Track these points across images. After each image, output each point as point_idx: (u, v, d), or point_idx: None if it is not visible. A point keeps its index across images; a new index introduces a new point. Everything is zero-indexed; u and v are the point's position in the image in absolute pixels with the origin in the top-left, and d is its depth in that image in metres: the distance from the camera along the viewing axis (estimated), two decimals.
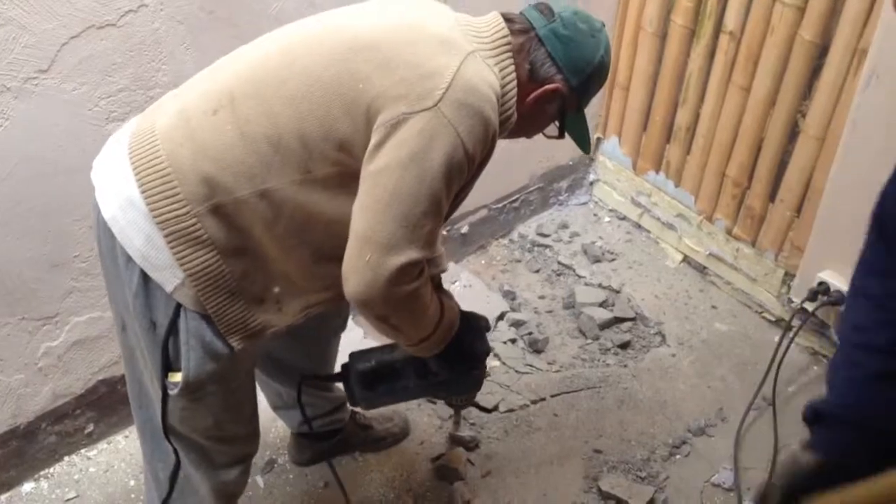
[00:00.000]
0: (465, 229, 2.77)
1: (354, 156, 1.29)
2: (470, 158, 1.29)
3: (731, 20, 2.40)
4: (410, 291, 1.31)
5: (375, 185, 1.26)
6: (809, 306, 2.34)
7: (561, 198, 3.06)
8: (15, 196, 1.74)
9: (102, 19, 1.70)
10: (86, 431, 2.11)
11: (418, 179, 1.25)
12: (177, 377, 1.38)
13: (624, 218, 3.02)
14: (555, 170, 2.97)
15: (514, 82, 1.37)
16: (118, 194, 1.31)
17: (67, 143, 1.76)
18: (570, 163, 3.01)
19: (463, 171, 1.30)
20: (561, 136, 1.53)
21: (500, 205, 2.86)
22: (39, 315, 1.90)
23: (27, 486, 2.04)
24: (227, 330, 1.36)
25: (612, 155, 3.00)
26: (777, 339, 2.40)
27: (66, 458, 2.10)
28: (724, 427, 2.25)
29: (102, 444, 2.15)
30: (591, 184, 3.10)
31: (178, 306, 1.33)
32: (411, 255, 1.27)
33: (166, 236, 1.28)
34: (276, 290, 1.38)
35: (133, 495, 2.04)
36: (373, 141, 1.26)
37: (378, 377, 1.61)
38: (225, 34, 1.90)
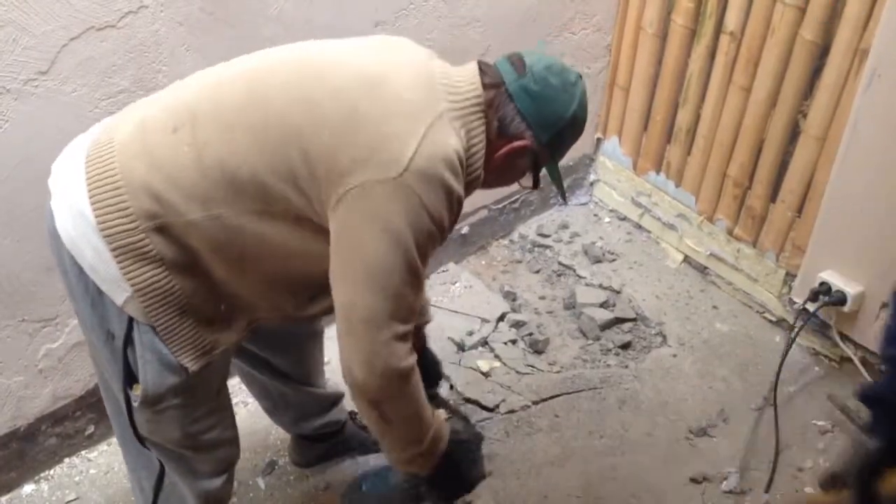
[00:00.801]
0: (465, 230, 2.76)
1: (311, 200, 1.26)
2: (438, 226, 1.28)
3: (732, 20, 2.40)
4: (405, 369, 1.30)
5: (352, 258, 1.25)
6: (811, 306, 2.34)
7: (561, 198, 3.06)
8: (14, 198, 1.74)
9: (102, 21, 1.70)
10: (86, 433, 2.11)
11: (392, 251, 1.23)
12: (138, 390, 1.36)
13: (624, 218, 3.02)
14: None
15: (482, 143, 1.34)
16: (71, 205, 1.29)
17: (67, 145, 1.76)
18: (571, 163, 3.00)
19: (434, 238, 1.29)
20: (535, 187, 1.49)
21: (500, 205, 2.85)
22: (39, 317, 1.90)
23: (27, 488, 2.04)
24: (177, 349, 1.33)
25: (612, 155, 3.00)
26: (778, 339, 2.40)
27: (67, 460, 2.10)
28: (726, 428, 2.25)
29: (103, 446, 2.15)
30: (592, 184, 3.10)
31: (131, 319, 1.31)
32: (395, 329, 1.27)
33: (113, 250, 1.26)
34: (223, 307, 1.37)
35: (133, 497, 2.03)
36: (338, 202, 1.23)
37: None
38: (225, 35, 1.89)
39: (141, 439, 1.45)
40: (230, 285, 1.35)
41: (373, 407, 1.33)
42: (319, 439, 2.06)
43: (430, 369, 1.79)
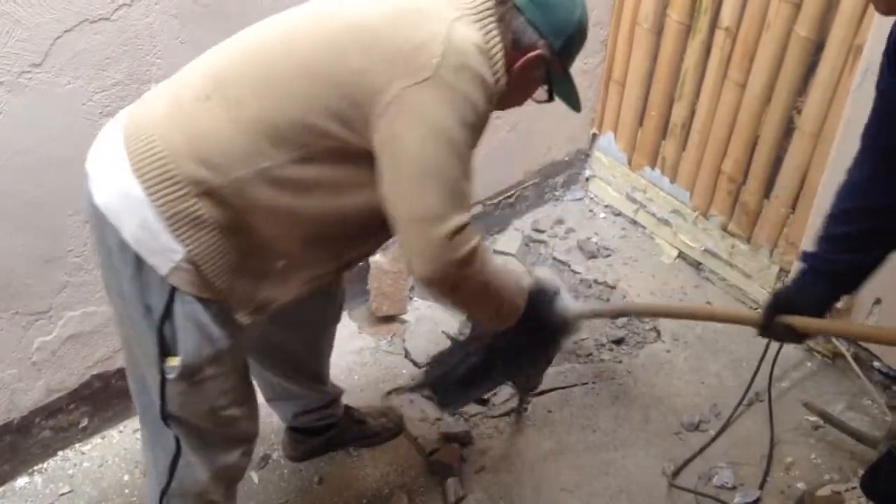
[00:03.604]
0: None
1: (357, 131, 1.30)
2: (479, 116, 1.32)
3: (727, 16, 2.40)
4: (471, 252, 1.33)
5: (402, 165, 1.28)
6: None
7: (556, 193, 3.06)
8: (8, 190, 1.74)
9: (96, 13, 1.69)
10: (80, 426, 2.11)
11: (442, 149, 1.28)
12: (174, 361, 1.38)
13: (619, 214, 3.02)
14: (550, 165, 2.97)
15: (501, 49, 1.38)
16: (113, 181, 1.32)
17: (61, 138, 1.76)
18: (566, 158, 3.00)
19: (476, 128, 1.33)
20: (550, 99, 1.54)
21: (495, 200, 2.86)
22: (33, 310, 1.90)
23: (21, 481, 2.04)
24: (235, 305, 1.37)
25: (607, 151, 3.00)
26: None
27: (60, 453, 2.10)
28: (719, 423, 2.26)
29: (96, 439, 2.15)
30: (587, 179, 3.10)
31: (173, 290, 1.33)
32: (458, 219, 1.30)
33: (168, 219, 1.29)
34: (280, 264, 1.40)
35: (127, 490, 2.03)
36: (382, 121, 1.27)
37: (456, 386, 1.67)
38: (219, 27, 1.88)
39: (166, 417, 1.46)
40: (281, 241, 1.38)
41: (448, 293, 1.39)
42: (315, 433, 2.07)
43: None
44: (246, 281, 1.38)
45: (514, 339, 1.63)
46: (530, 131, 2.79)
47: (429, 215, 1.28)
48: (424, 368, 1.66)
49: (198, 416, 1.48)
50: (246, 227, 1.34)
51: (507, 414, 2.26)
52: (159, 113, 1.34)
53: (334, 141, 1.31)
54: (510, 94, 1.44)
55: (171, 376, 1.40)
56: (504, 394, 2.29)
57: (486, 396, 2.26)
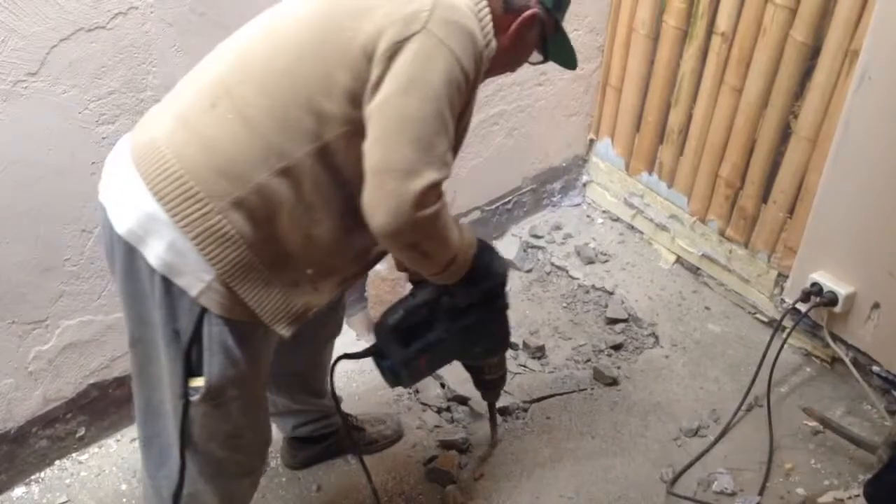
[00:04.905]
0: None
1: (362, 104, 1.29)
2: (465, 74, 1.30)
3: (723, 21, 2.40)
4: (434, 212, 1.31)
5: (382, 116, 1.26)
6: (802, 307, 2.35)
7: (554, 199, 3.06)
8: (4, 199, 1.73)
9: (92, 22, 1.69)
10: (77, 435, 2.10)
11: (422, 101, 1.26)
12: (198, 382, 1.38)
13: (617, 219, 3.02)
14: (547, 171, 2.97)
15: (488, 11, 1.37)
16: (133, 208, 1.30)
17: (57, 147, 1.76)
18: (563, 164, 3.00)
19: (461, 88, 1.31)
20: (546, 59, 1.53)
21: (492, 206, 2.85)
22: (29, 319, 1.89)
23: (18, 491, 2.03)
24: (271, 319, 1.36)
25: (604, 156, 3.00)
26: (770, 339, 2.40)
27: (58, 463, 2.09)
28: (717, 428, 2.25)
29: (94, 448, 2.14)
30: (584, 185, 3.10)
31: (202, 313, 1.33)
32: (430, 177, 1.27)
33: (193, 238, 1.27)
34: (309, 272, 1.39)
35: (124, 500, 2.02)
36: (372, 77, 1.26)
37: (410, 330, 1.60)
38: (215, 36, 1.86)
39: (183, 443, 1.46)
40: (307, 248, 1.36)
41: (410, 248, 1.36)
42: (313, 441, 2.06)
43: None
44: (278, 292, 1.36)
45: (459, 292, 1.58)
46: (528, 137, 2.79)
47: (401, 167, 1.26)
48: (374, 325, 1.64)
49: (216, 440, 1.48)
50: (272, 238, 1.32)
51: (504, 419, 2.25)
52: (166, 131, 1.32)
53: (347, 124, 1.29)
54: (504, 57, 1.44)
55: (194, 398, 1.39)
56: (502, 401, 2.28)
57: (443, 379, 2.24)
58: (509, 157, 2.78)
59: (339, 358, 1.70)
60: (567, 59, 1.57)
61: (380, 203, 1.27)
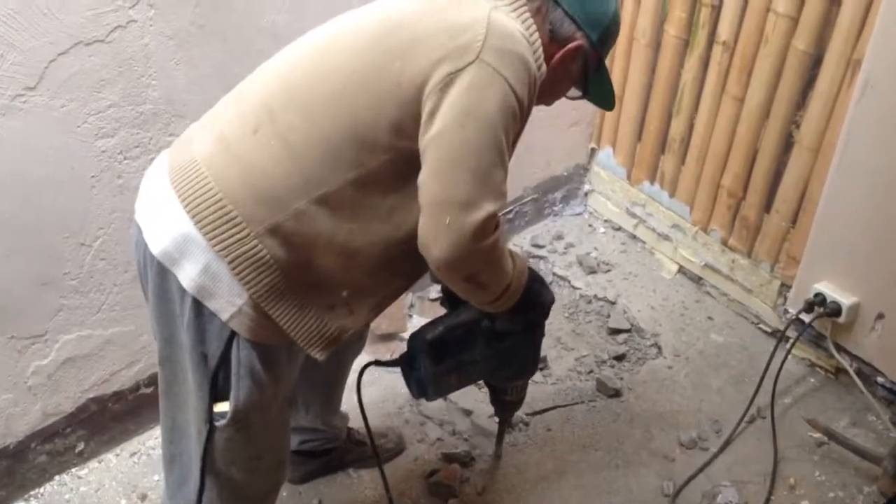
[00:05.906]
0: None
1: (408, 135, 1.27)
2: (519, 102, 1.29)
3: (725, 30, 2.39)
4: (492, 243, 1.29)
5: (438, 149, 1.25)
6: (806, 317, 2.33)
7: (555, 209, 3.05)
8: (3, 213, 1.73)
9: (91, 35, 1.69)
10: (76, 450, 2.09)
11: (478, 131, 1.24)
12: (223, 406, 1.37)
13: (619, 229, 3.01)
14: (549, 180, 2.96)
15: (538, 36, 1.37)
16: (169, 229, 1.29)
17: (57, 161, 1.75)
18: (565, 173, 3.00)
19: (517, 116, 1.30)
20: (585, 94, 1.52)
21: None
22: (28, 334, 1.88)
23: None
24: (306, 342, 1.34)
25: (606, 165, 2.99)
26: (773, 350, 2.38)
27: (57, 478, 2.08)
28: (721, 440, 2.24)
29: (93, 463, 2.13)
30: (586, 194, 3.09)
31: (231, 336, 1.32)
32: (489, 208, 1.26)
33: (230, 262, 1.26)
34: (344, 294, 1.37)
35: None
36: (426, 110, 1.25)
37: (445, 346, 1.58)
38: (215, 48, 1.88)
39: (205, 464, 1.44)
40: (344, 271, 1.35)
41: (467, 280, 1.34)
42: (315, 455, 2.05)
43: None
44: (313, 315, 1.34)
45: (503, 318, 1.55)
46: (529, 146, 2.78)
47: (459, 200, 1.24)
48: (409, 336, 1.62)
49: (237, 464, 1.47)
50: (307, 264, 1.31)
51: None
52: (206, 153, 1.31)
53: (389, 153, 1.28)
54: (545, 87, 1.42)
55: (220, 423, 1.39)
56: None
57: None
58: (510, 167, 2.76)
59: (368, 364, 1.68)
60: (605, 98, 1.55)
61: (438, 236, 1.26)
